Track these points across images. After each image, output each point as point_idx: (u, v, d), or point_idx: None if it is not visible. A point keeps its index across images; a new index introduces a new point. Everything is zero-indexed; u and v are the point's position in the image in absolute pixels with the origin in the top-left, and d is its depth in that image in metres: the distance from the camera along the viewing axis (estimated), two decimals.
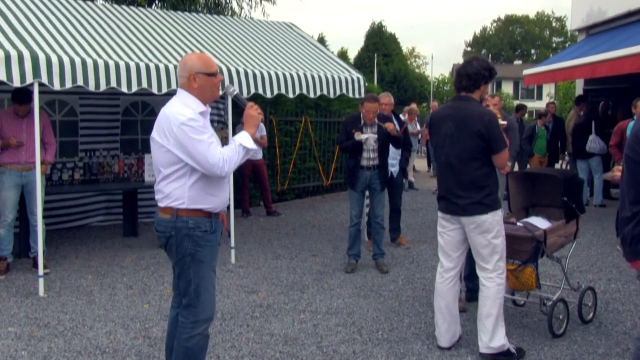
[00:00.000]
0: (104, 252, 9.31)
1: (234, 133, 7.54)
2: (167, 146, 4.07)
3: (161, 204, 4.21)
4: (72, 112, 10.65)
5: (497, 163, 5.39)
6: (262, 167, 12.60)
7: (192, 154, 4.04)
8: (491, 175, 5.40)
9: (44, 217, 7.98)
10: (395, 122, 9.50)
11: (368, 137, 8.12)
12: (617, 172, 5.47)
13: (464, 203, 5.36)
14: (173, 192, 4.15)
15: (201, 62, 4.27)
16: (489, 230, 5.33)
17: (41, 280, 7.27)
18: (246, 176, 12.32)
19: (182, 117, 4.03)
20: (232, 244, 8.80)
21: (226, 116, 9.02)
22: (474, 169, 5.32)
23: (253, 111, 4.37)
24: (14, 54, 6.82)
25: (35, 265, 7.87)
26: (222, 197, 4.35)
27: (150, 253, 9.18)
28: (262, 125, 12.36)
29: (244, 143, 4.24)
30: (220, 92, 4.50)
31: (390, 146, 8.69)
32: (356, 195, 8.35)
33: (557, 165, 15.73)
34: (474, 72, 5.35)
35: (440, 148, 5.48)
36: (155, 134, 4.16)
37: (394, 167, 9.50)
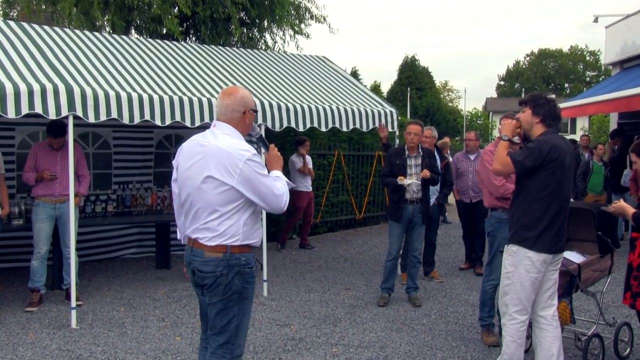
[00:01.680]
0: (137, 284, 9.33)
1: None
2: (231, 184, 3.96)
3: (211, 243, 4.05)
4: (105, 145, 10.77)
5: None
6: (312, 199, 12.76)
7: (259, 189, 4.00)
8: None
9: (77, 249, 8.03)
10: (437, 157, 9.46)
11: (411, 183, 8.07)
12: (614, 205, 5.48)
13: (565, 240, 5.29)
14: (228, 230, 4.03)
15: (251, 98, 4.28)
16: None
17: (74, 312, 7.29)
18: (301, 209, 12.46)
19: (247, 152, 3.98)
20: (265, 277, 8.76)
21: (259, 151, 9.04)
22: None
23: (277, 152, 4.42)
24: (49, 87, 6.93)
25: (68, 297, 7.89)
26: (262, 231, 4.31)
27: (183, 285, 9.17)
28: (308, 157, 12.44)
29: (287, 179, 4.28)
30: None
31: None
32: (398, 229, 8.23)
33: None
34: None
35: (566, 180, 5.21)
36: (215, 172, 3.99)
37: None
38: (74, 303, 7.34)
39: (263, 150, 4.47)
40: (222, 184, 3.97)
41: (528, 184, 5.19)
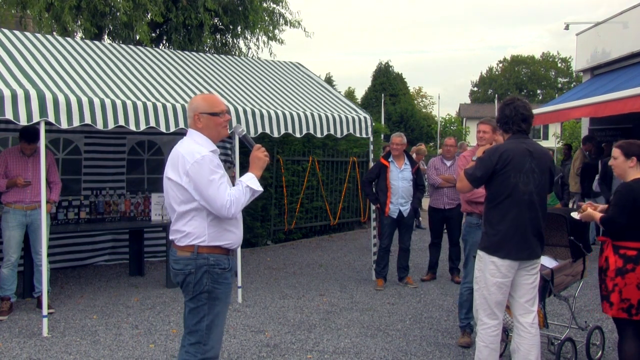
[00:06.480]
0: (110, 291, 9.24)
1: (241, 173, 7.52)
2: (182, 184, 4.12)
3: (180, 243, 4.21)
4: (76, 151, 10.65)
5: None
6: None
7: (203, 192, 4.08)
8: None
9: (49, 256, 7.91)
10: (408, 162, 9.51)
11: None
12: (582, 213, 5.58)
13: (538, 245, 5.19)
14: (193, 231, 4.17)
15: (205, 102, 4.35)
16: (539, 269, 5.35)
17: (45, 321, 7.19)
18: None
19: (197, 155, 4.11)
20: (239, 283, 8.72)
21: (233, 155, 9.02)
22: (545, 207, 5.27)
23: (260, 153, 4.42)
24: (20, 93, 6.83)
25: (39, 305, 7.79)
26: (239, 234, 4.39)
27: (156, 292, 9.11)
28: None
29: (251, 185, 4.26)
30: (229, 132, 4.53)
31: (402, 185, 9.35)
32: None
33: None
34: (530, 115, 5.37)
35: (524, 185, 5.07)
36: (170, 173, 4.19)
37: (404, 207, 9.46)
38: (45, 311, 7.23)
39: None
40: (176, 183, 4.16)
41: (487, 191, 5.27)
